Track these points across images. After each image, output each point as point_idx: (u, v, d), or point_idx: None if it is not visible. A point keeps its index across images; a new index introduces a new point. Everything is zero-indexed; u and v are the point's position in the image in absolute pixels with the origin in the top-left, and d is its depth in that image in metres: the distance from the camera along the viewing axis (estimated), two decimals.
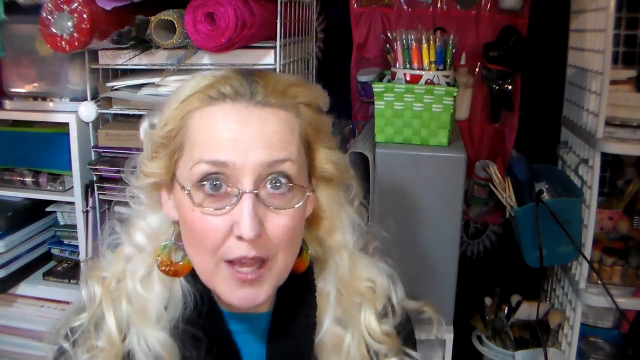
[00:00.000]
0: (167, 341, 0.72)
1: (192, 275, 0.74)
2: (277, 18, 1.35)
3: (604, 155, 1.49)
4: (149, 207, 0.77)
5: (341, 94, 1.95)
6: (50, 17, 1.26)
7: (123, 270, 0.76)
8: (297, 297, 0.79)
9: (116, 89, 1.44)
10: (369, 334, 0.80)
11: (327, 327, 0.78)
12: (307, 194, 0.71)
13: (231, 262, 0.68)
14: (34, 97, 1.50)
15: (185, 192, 0.68)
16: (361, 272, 0.82)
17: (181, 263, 0.74)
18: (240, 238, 0.66)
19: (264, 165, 0.67)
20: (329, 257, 0.80)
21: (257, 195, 0.66)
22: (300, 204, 0.69)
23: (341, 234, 0.80)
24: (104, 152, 1.48)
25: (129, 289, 0.74)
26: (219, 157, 0.66)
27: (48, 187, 1.54)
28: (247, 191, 0.66)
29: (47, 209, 1.64)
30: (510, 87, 1.86)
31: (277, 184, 0.68)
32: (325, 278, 0.80)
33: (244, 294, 0.68)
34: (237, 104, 0.69)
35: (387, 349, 0.81)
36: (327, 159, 0.76)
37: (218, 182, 0.66)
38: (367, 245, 0.86)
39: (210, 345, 0.73)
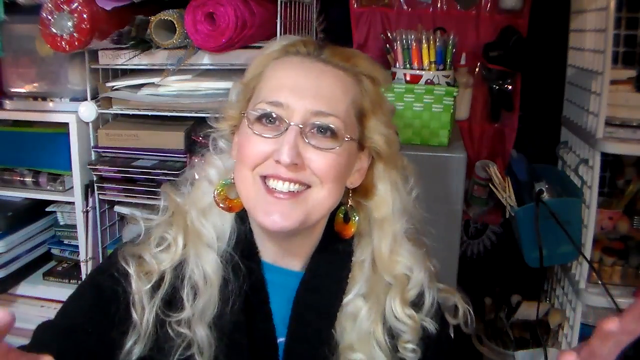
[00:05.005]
0: (216, 263, 0.80)
1: (242, 218, 0.83)
2: (277, 18, 1.35)
3: (604, 155, 1.50)
4: (225, 151, 0.87)
5: None
6: (50, 17, 1.26)
7: (193, 200, 0.85)
8: (333, 260, 0.85)
9: (116, 89, 1.44)
10: (392, 311, 0.84)
11: (352, 296, 0.84)
12: (345, 138, 0.77)
13: (267, 186, 0.76)
14: (34, 97, 1.50)
15: (247, 115, 0.78)
16: (402, 256, 0.86)
17: (235, 200, 0.82)
18: (278, 162, 0.74)
19: (311, 112, 0.75)
20: (373, 230, 0.86)
21: (301, 130, 0.75)
22: (340, 147, 0.77)
23: (389, 211, 0.85)
24: (104, 152, 1.48)
25: (192, 215, 0.84)
26: (277, 98, 0.76)
27: (48, 187, 1.54)
28: (293, 124, 0.75)
29: (47, 209, 1.64)
30: (510, 87, 1.86)
31: (322, 129, 0.76)
32: (363, 249, 0.86)
33: (274, 214, 0.75)
34: (305, 58, 0.80)
35: (408, 332, 0.84)
36: (376, 129, 0.82)
37: (273, 117, 0.76)
38: (416, 238, 0.90)
39: (246, 283, 0.80)
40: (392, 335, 0.84)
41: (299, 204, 0.76)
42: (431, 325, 0.86)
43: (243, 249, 0.82)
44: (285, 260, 0.85)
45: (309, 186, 0.76)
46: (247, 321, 0.80)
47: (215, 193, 0.83)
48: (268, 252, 0.84)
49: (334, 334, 0.82)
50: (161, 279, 0.80)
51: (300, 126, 0.75)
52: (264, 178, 0.76)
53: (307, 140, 0.75)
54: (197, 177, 0.87)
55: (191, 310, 0.78)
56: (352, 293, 0.84)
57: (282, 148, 0.74)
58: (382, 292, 0.84)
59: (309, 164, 0.76)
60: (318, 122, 0.76)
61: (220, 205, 0.82)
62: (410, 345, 0.84)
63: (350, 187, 0.84)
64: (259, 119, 0.77)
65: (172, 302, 0.79)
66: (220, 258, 0.81)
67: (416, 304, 0.86)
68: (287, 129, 0.75)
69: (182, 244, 0.82)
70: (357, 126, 0.80)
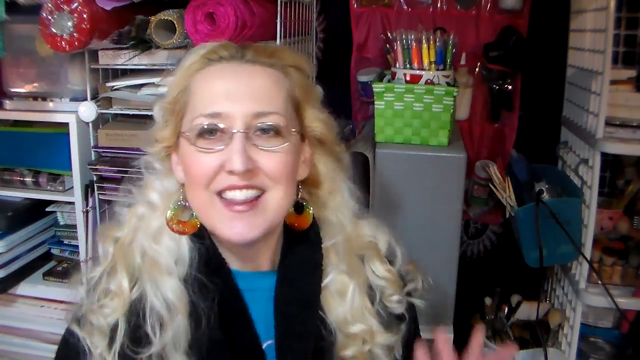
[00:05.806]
0: (179, 288, 0.78)
1: (199, 236, 0.81)
2: (277, 18, 1.35)
3: (604, 155, 1.50)
4: (162, 173, 0.84)
5: (341, 94, 1.95)
6: (50, 17, 1.26)
7: (136, 229, 0.83)
8: (302, 250, 0.85)
9: (116, 89, 1.44)
10: (373, 272, 0.88)
11: (333, 276, 0.85)
12: (292, 132, 0.78)
13: (224, 199, 0.75)
14: (34, 97, 1.50)
15: (186, 134, 0.77)
16: (364, 229, 0.90)
17: (189, 222, 0.81)
18: (231, 172, 0.74)
19: (252, 114, 0.75)
20: (333, 216, 0.87)
21: (247, 135, 0.74)
22: (287, 143, 0.77)
23: (341, 195, 0.88)
24: (104, 152, 1.48)
25: (142, 243, 0.81)
26: (214, 109, 0.75)
27: (48, 187, 1.54)
28: (238, 131, 0.74)
29: (47, 209, 1.64)
30: (510, 87, 1.86)
31: (265, 130, 0.76)
32: (330, 234, 0.87)
33: (237, 227, 0.75)
34: (231, 63, 0.79)
35: (389, 286, 0.88)
36: (315, 117, 0.83)
37: (214, 129, 0.75)
38: (361, 212, 0.92)
39: (218, 299, 0.78)
40: (376, 299, 0.87)
41: (260, 212, 0.76)
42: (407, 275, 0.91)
43: (209, 264, 0.80)
44: (253, 264, 0.84)
45: (264, 191, 0.76)
46: (227, 336, 0.78)
47: (168, 218, 0.81)
48: (235, 261, 0.83)
49: (320, 322, 0.82)
50: (115, 328, 0.77)
51: (245, 131, 0.74)
52: (219, 193, 0.75)
53: (254, 144, 0.75)
54: (136, 202, 0.85)
55: (160, 343, 0.75)
56: (331, 275, 0.85)
57: (232, 157, 0.73)
58: (360, 266, 0.87)
59: (262, 167, 0.75)
60: (260, 124, 0.75)
61: (175, 229, 0.80)
62: (395, 297, 0.87)
63: (299, 179, 0.84)
64: (201, 134, 0.75)
65: (139, 338, 0.77)
66: (183, 282, 0.78)
67: (389, 258, 0.90)
68: (231, 137, 0.74)
69: (129, 287, 0.79)
70: (296, 118, 0.81)
